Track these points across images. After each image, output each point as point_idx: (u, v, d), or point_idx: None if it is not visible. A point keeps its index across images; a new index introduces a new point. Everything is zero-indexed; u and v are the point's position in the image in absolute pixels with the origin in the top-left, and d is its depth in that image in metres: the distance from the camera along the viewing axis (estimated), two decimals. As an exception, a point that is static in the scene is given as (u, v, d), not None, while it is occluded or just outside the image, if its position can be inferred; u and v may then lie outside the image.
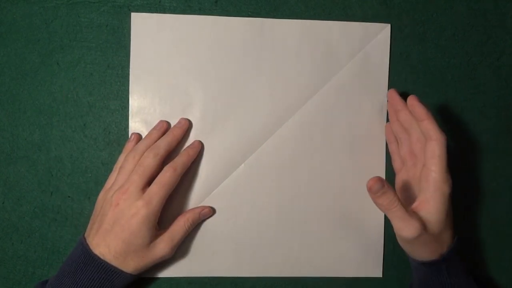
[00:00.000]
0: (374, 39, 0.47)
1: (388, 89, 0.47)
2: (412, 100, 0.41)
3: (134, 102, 0.45)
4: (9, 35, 0.45)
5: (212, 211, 0.45)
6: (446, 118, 0.48)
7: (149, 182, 0.41)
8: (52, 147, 0.46)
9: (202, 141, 0.46)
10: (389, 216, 0.38)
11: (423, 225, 0.37)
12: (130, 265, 0.40)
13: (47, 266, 0.46)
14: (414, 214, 0.38)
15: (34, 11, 0.45)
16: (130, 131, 0.45)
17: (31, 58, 0.45)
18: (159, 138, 0.44)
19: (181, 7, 0.46)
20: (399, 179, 0.45)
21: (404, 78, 0.48)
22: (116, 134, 0.46)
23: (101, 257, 0.39)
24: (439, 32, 0.48)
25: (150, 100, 0.46)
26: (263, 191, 0.46)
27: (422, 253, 0.40)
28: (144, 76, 0.45)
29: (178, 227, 0.43)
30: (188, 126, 0.45)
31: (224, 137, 0.46)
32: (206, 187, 0.46)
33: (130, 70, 0.45)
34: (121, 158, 0.44)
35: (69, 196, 0.46)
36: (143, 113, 0.46)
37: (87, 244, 0.40)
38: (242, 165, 0.46)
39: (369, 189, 0.37)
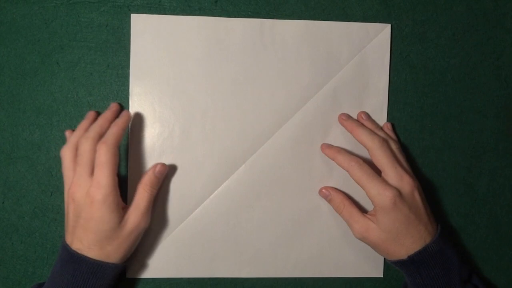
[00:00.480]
0: (374, 40, 0.47)
1: (389, 89, 0.47)
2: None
3: (134, 103, 0.45)
4: (9, 35, 0.45)
5: (165, 165, 0.44)
6: (446, 118, 0.48)
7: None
8: (52, 147, 0.46)
9: (202, 142, 0.46)
10: (342, 218, 0.44)
11: (367, 229, 0.41)
12: (109, 252, 0.40)
13: (47, 266, 0.46)
14: (362, 219, 0.42)
15: (34, 11, 0.45)
16: (130, 131, 0.45)
17: (31, 58, 0.45)
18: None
19: (181, 7, 0.46)
20: None
21: (404, 78, 0.48)
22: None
23: (79, 251, 0.39)
24: (439, 32, 0.48)
25: (150, 101, 0.45)
26: (263, 192, 0.46)
27: (385, 254, 0.42)
28: (144, 77, 0.45)
29: (140, 194, 0.42)
30: (118, 108, 0.45)
31: (225, 138, 0.46)
32: (207, 188, 0.46)
33: (130, 71, 0.45)
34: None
35: (69, 196, 0.46)
36: (142, 115, 0.45)
37: (66, 243, 0.40)
38: (243, 165, 0.46)
39: (322, 196, 0.46)
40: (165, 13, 0.46)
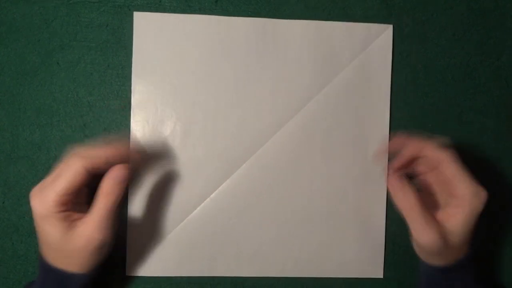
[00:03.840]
0: (376, 40, 0.47)
1: (390, 90, 0.47)
2: (398, 141, 0.42)
3: (136, 101, 0.45)
4: (9, 35, 0.45)
5: (123, 168, 0.38)
6: (446, 118, 0.48)
7: None
8: (52, 147, 0.46)
9: (203, 141, 0.45)
10: (408, 220, 0.37)
11: (443, 237, 0.36)
12: (70, 263, 0.37)
13: (47, 266, 0.46)
14: (434, 223, 0.36)
15: (34, 11, 0.45)
16: (131, 131, 0.45)
17: (31, 58, 0.45)
18: None
19: (181, 6, 0.46)
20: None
21: (404, 78, 0.48)
22: (117, 134, 0.46)
23: (46, 259, 0.39)
24: (439, 32, 0.48)
25: (151, 99, 0.45)
26: (264, 191, 0.46)
27: (437, 259, 0.40)
28: (146, 75, 0.45)
29: (96, 203, 0.37)
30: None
31: (226, 137, 0.46)
32: (207, 187, 0.46)
33: (132, 69, 0.45)
34: None
35: (69, 196, 0.46)
36: (144, 113, 0.45)
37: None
38: (244, 165, 0.46)
39: (390, 186, 0.38)
40: (165, 13, 0.46)
